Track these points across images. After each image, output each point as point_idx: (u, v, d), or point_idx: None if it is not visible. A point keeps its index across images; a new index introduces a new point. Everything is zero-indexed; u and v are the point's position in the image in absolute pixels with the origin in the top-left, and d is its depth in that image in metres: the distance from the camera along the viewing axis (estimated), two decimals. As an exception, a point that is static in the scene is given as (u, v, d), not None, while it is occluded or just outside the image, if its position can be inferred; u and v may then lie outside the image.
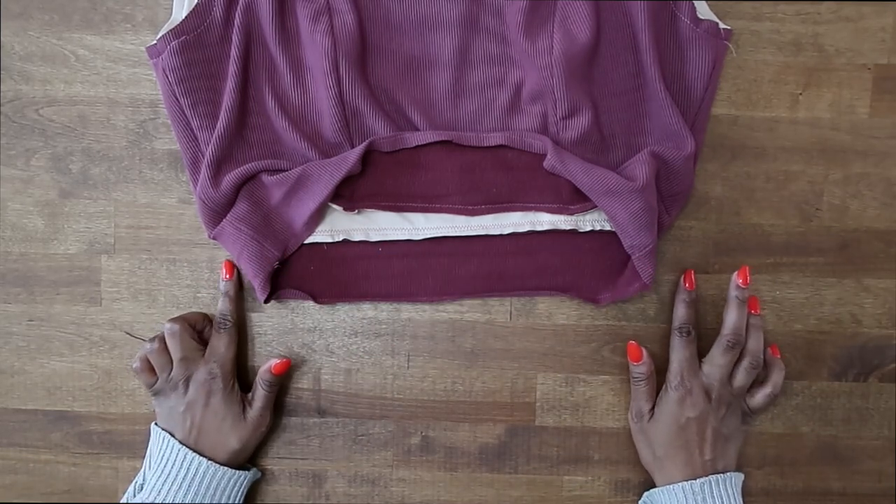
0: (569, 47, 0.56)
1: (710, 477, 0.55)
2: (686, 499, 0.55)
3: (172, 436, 0.58)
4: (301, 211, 0.58)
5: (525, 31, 0.57)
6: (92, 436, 0.64)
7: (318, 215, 0.59)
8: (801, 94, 0.62)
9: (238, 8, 0.57)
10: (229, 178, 0.58)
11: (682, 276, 0.61)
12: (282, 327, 0.63)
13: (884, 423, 0.63)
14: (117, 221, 0.63)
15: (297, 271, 0.61)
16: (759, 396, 0.59)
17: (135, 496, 0.58)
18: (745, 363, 0.58)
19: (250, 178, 0.59)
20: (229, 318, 0.60)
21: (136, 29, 0.61)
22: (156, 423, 0.59)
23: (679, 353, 0.59)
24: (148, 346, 0.59)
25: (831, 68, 0.62)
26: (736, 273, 0.59)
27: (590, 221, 0.60)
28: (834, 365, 0.63)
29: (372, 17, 0.59)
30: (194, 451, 0.57)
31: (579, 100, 0.57)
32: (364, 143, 0.57)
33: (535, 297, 0.62)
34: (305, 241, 0.60)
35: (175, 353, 0.58)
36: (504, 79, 0.60)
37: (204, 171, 0.58)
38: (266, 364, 0.60)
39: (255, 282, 0.59)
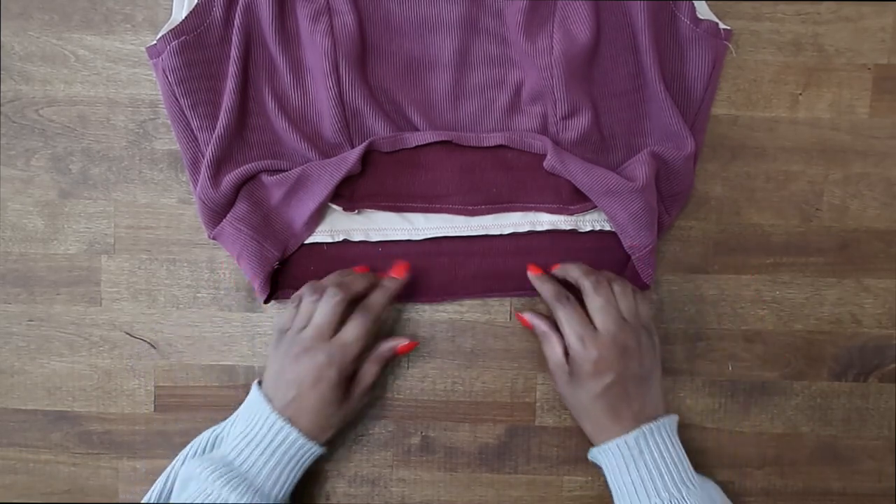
0: (569, 47, 0.56)
1: (641, 428, 0.55)
2: (622, 455, 0.55)
3: (270, 401, 0.56)
4: (301, 211, 0.58)
5: (525, 32, 0.57)
6: (92, 436, 0.64)
7: (318, 215, 0.60)
8: (801, 94, 0.62)
9: (238, 8, 0.57)
10: (229, 179, 0.58)
11: (529, 270, 0.59)
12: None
13: (884, 423, 0.63)
14: (117, 221, 0.63)
15: (296, 271, 0.61)
16: (640, 307, 0.57)
17: (209, 445, 0.57)
18: (616, 288, 0.57)
19: (250, 179, 0.59)
20: (376, 302, 0.57)
21: (136, 29, 0.61)
22: (258, 383, 0.58)
23: (571, 323, 0.56)
24: (307, 294, 0.57)
25: (831, 68, 0.62)
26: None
27: (590, 222, 0.60)
28: (834, 365, 0.63)
29: (372, 19, 0.59)
30: (286, 420, 0.55)
31: (579, 100, 0.57)
32: (364, 144, 0.57)
33: (535, 297, 0.62)
34: (305, 242, 0.60)
35: (319, 316, 0.56)
36: (504, 80, 0.60)
37: (204, 172, 0.58)
38: (389, 342, 0.58)
39: (255, 282, 0.59)
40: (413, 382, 0.63)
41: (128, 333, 0.63)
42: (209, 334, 0.63)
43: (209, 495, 0.52)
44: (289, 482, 0.55)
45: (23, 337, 0.63)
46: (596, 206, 0.58)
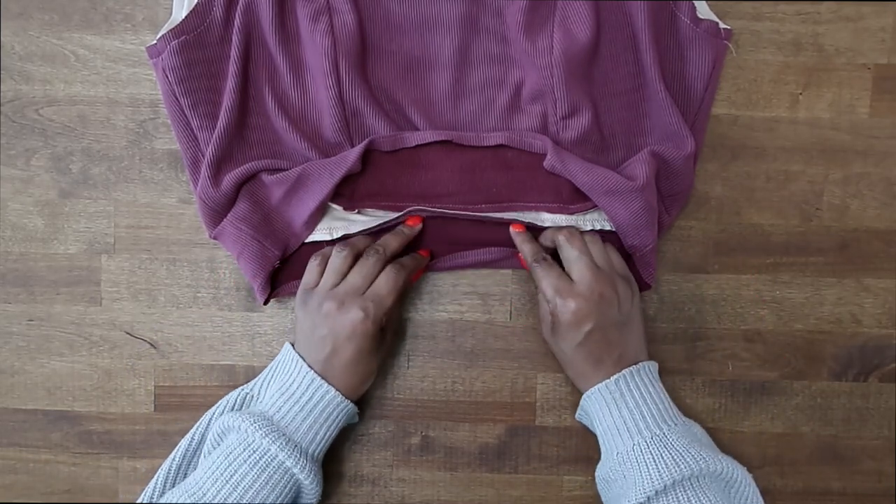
0: (569, 47, 0.56)
1: (622, 372, 0.56)
2: (605, 398, 0.56)
3: (302, 358, 0.57)
4: (301, 210, 0.58)
5: (525, 31, 0.57)
6: (92, 436, 0.64)
7: (319, 214, 0.59)
8: (801, 94, 0.62)
9: (238, 8, 0.57)
10: (229, 178, 0.58)
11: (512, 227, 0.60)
12: (282, 327, 0.63)
13: (884, 423, 0.63)
14: (117, 221, 0.63)
15: (296, 270, 0.61)
16: (613, 257, 0.58)
17: (237, 404, 0.58)
18: (588, 240, 0.58)
19: (250, 178, 0.59)
20: (407, 262, 0.58)
21: (136, 29, 0.61)
22: (291, 344, 0.58)
23: (547, 279, 0.56)
24: (337, 250, 0.57)
25: (831, 68, 0.62)
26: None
27: (590, 221, 0.60)
28: (834, 365, 0.63)
29: (372, 18, 0.59)
30: (322, 377, 0.56)
31: (579, 99, 0.57)
32: (364, 142, 0.57)
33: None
34: (305, 241, 0.60)
35: (357, 275, 0.56)
36: (504, 79, 0.60)
37: (204, 171, 0.58)
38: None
39: (255, 282, 0.59)
40: (413, 382, 0.63)
41: (128, 333, 0.63)
42: (209, 334, 0.63)
43: (249, 445, 0.53)
44: (325, 440, 0.56)
45: (23, 337, 0.63)
46: (596, 206, 0.58)
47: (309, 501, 0.57)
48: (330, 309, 0.55)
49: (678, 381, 0.63)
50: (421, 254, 0.60)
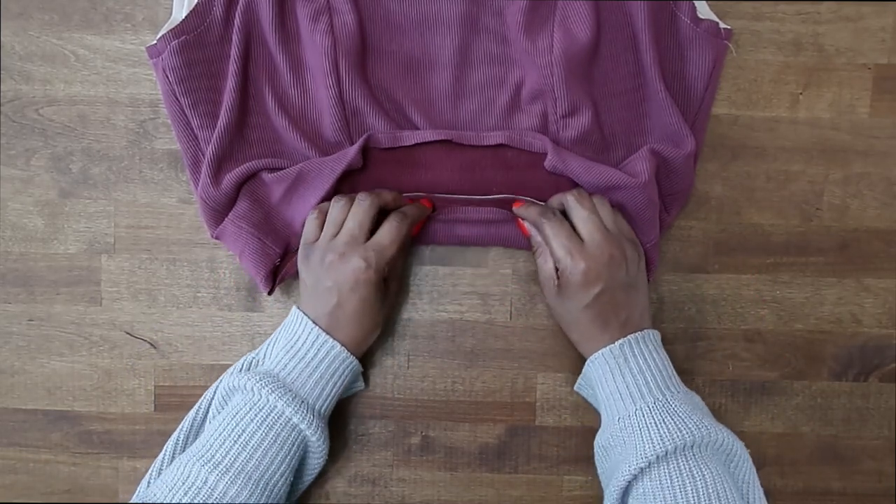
0: (569, 46, 0.56)
1: (627, 337, 0.55)
2: (608, 363, 0.55)
3: (309, 315, 0.56)
4: (302, 207, 0.58)
5: (525, 30, 0.57)
6: (92, 436, 0.64)
7: (319, 214, 0.59)
8: (801, 93, 0.62)
9: (238, 8, 0.57)
10: (230, 177, 0.58)
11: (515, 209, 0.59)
12: (282, 327, 0.63)
13: (884, 423, 0.63)
14: (117, 221, 0.63)
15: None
16: (618, 220, 0.57)
17: (245, 368, 0.58)
18: (596, 201, 0.57)
19: (251, 177, 0.59)
20: (410, 210, 0.58)
21: (136, 29, 0.61)
22: (298, 307, 0.58)
23: (558, 237, 0.55)
24: (335, 201, 0.57)
25: (831, 68, 0.62)
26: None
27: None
28: (834, 365, 0.63)
29: (372, 17, 0.59)
30: (327, 333, 0.56)
31: (579, 99, 0.57)
32: (363, 138, 0.57)
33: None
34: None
35: (351, 220, 0.56)
36: (504, 79, 0.60)
37: (204, 171, 0.58)
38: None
39: (258, 277, 0.59)
40: (413, 382, 0.63)
41: (128, 333, 0.63)
42: (209, 334, 0.63)
43: (256, 403, 0.53)
44: (331, 396, 0.56)
45: (23, 337, 0.63)
46: (596, 206, 0.59)
47: (315, 463, 0.57)
48: (332, 260, 0.55)
49: (678, 381, 0.63)
50: (423, 203, 0.60)
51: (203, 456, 0.52)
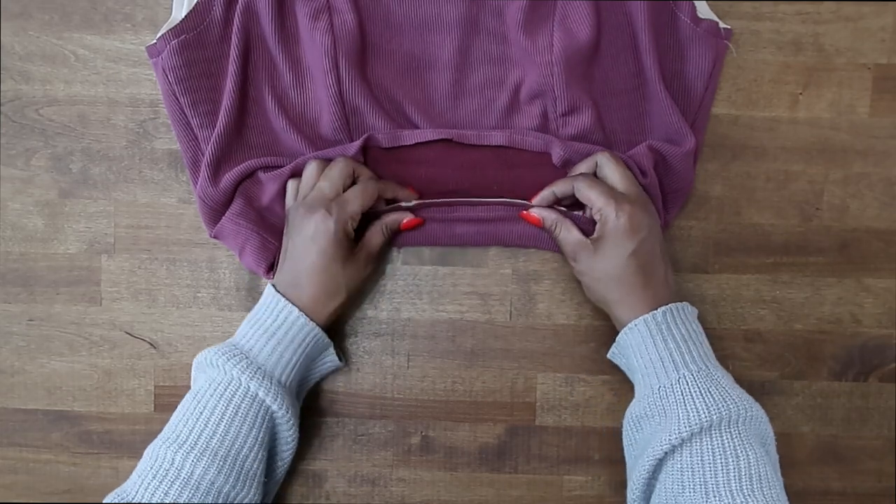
0: (569, 46, 0.56)
1: (669, 305, 0.54)
2: (650, 329, 0.54)
3: (277, 283, 0.56)
4: None
5: (525, 29, 0.57)
6: (92, 436, 0.64)
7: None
8: (801, 93, 0.62)
9: (237, 7, 0.57)
10: (228, 177, 0.58)
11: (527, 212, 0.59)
12: (282, 327, 0.63)
13: (884, 423, 0.63)
14: (117, 221, 0.63)
15: None
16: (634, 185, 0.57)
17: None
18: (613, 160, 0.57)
19: (248, 176, 0.59)
20: (381, 181, 0.58)
21: (136, 29, 0.61)
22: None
23: (596, 189, 0.55)
24: (308, 164, 0.57)
25: (831, 68, 0.62)
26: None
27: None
28: (834, 365, 0.63)
29: (372, 18, 0.59)
30: (289, 295, 0.55)
31: (579, 98, 0.57)
32: (362, 137, 0.57)
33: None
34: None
35: (323, 180, 0.55)
36: (504, 79, 0.60)
37: (203, 171, 0.58)
38: (396, 215, 0.58)
39: (259, 270, 0.59)
40: (413, 382, 0.63)
41: (128, 333, 0.63)
42: (209, 334, 0.63)
43: (217, 377, 0.53)
44: (294, 366, 0.55)
45: (23, 337, 0.63)
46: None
47: (287, 437, 0.55)
48: (300, 215, 0.55)
49: (678, 381, 0.63)
50: (409, 190, 0.59)
51: (169, 438, 0.51)
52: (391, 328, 0.63)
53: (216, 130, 0.58)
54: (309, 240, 0.54)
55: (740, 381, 0.63)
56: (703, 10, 0.59)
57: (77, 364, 0.63)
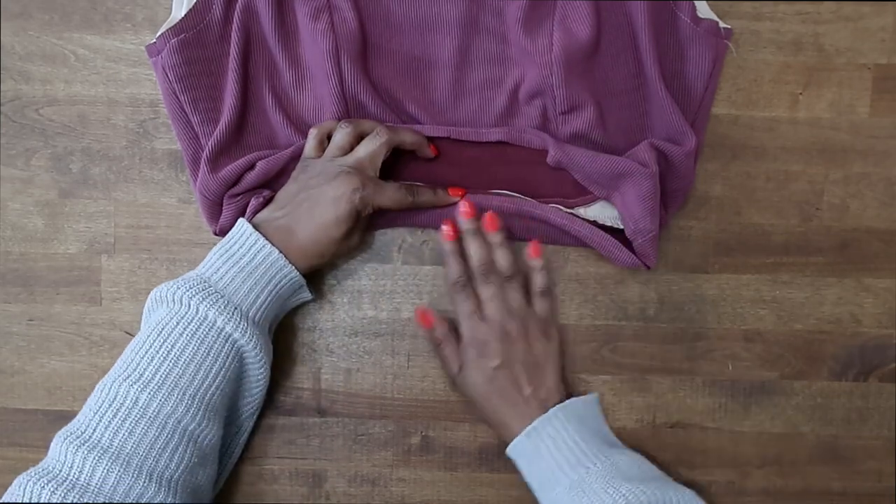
0: (568, 45, 0.56)
1: (534, 423, 0.56)
2: (525, 451, 0.57)
3: (254, 224, 0.55)
4: None
5: (524, 29, 0.57)
6: (92, 436, 0.64)
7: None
8: (801, 93, 0.62)
9: (237, 6, 0.58)
10: (229, 169, 0.58)
11: (442, 230, 0.59)
12: (282, 326, 0.63)
13: (884, 423, 0.63)
14: (117, 221, 0.63)
15: None
16: (537, 303, 0.60)
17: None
18: (506, 284, 0.58)
19: (250, 168, 0.59)
20: (389, 134, 0.56)
21: (136, 28, 0.61)
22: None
23: (462, 307, 0.58)
24: (342, 126, 0.56)
25: (831, 68, 0.62)
26: (459, 206, 0.58)
27: (591, 216, 0.60)
28: (834, 365, 0.63)
29: (372, 17, 0.59)
30: (276, 241, 0.54)
31: (579, 97, 0.57)
32: None
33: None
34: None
35: (363, 151, 0.55)
36: (504, 78, 0.60)
37: (203, 166, 0.58)
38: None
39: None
40: (413, 382, 0.63)
41: (128, 333, 0.63)
42: (209, 334, 0.63)
43: (185, 315, 0.51)
44: (266, 304, 0.54)
45: (23, 337, 0.63)
46: (597, 200, 0.59)
47: (257, 374, 0.54)
48: (327, 170, 0.55)
49: (678, 381, 0.63)
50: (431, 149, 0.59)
51: (130, 375, 0.49)
52: (391, 328, 0.63)
53: (218, 127, 0.58)
54: (329, 199, 0.54)
55: (740, 380, 0.63)
56: (703, 10, 0.59)
57: (77, 364, 0.63)
